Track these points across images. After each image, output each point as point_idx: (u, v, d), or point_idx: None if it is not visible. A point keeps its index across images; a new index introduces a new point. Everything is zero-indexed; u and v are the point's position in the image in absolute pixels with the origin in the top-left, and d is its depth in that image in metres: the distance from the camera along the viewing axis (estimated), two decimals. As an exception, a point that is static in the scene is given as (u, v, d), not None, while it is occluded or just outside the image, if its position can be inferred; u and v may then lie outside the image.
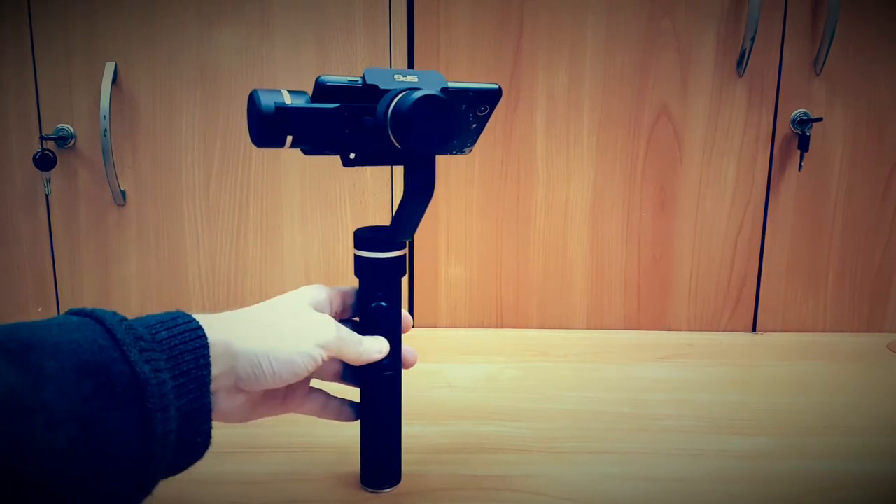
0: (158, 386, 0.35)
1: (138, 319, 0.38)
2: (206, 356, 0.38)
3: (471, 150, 0.53)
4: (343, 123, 0.45)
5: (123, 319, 0.36)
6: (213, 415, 0.39)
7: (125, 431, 0.33)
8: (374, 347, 0.49)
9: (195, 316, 0.39)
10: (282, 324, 0.44)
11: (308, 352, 0.43)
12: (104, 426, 0.33)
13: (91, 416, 0.32)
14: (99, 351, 0.33)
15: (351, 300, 0.51)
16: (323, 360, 0.44)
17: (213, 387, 0.38)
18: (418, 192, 0.48)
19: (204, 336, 0.38)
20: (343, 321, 0.49)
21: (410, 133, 0.43)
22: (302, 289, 0.48)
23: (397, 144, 0.44)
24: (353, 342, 0.47)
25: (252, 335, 0.42)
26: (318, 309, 0.47)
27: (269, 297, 0.47)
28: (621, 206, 0.88)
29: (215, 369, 0.39)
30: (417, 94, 0.43)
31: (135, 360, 0.34)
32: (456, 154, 0.53)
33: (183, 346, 0.37)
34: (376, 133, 0.45)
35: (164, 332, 0.37)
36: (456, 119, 0.46)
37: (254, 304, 0.46)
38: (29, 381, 0.31)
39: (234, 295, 0.89)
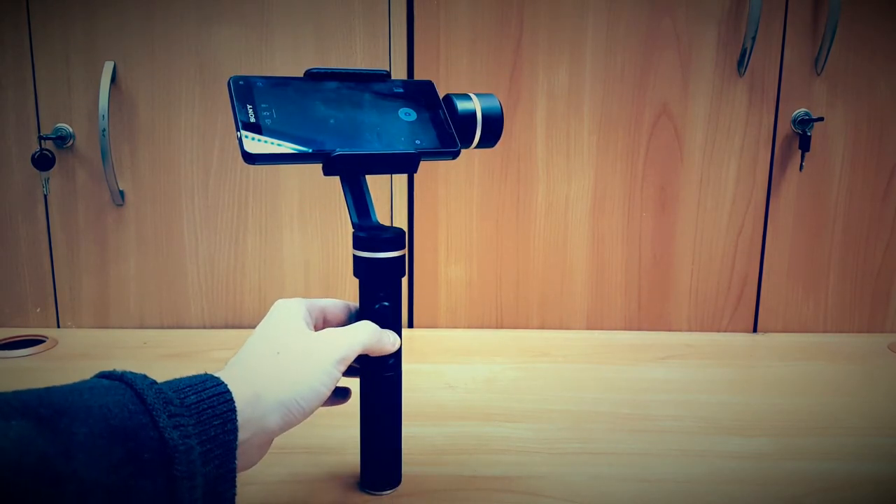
0: (186, 453, 0.35)
1: (168, 383, 0.38)
2: (234, 420, 0.38)
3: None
4: None
5: (154, 383, 0.37)
6: (241, 468, 0.39)
7: (152, 499, 0.34)
8: (389, 339, 0.48)
9: (218, 374, 0.40)
10: (296, 355, 0.43)
11: (328, 372, 0.43)
12: (131, 494, 0.33)
13: (119, 485, 0.33)
14: (129, 416, 0.34)
15: (336, 316, 0.50)
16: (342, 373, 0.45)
17: (242, 448, 0.39)
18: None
19: (231, 400, 0.38)
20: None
21: None
22: (283, 308, 0.47)
23: None
24: (377, 337, 0.47)
25: (275, 381, 0.42)
26: (307, 324, 0.47)
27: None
28: (622, 206, 0.88)
29: (245, 433, 0.39)
30: None
31: (164, 426, 0.35)
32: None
33: (211, 410, 0.37)
34: None
35: (193, 397, 0.37)
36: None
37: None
38: (60, 448, 0.31)
39: (232, 295, 0.89)
